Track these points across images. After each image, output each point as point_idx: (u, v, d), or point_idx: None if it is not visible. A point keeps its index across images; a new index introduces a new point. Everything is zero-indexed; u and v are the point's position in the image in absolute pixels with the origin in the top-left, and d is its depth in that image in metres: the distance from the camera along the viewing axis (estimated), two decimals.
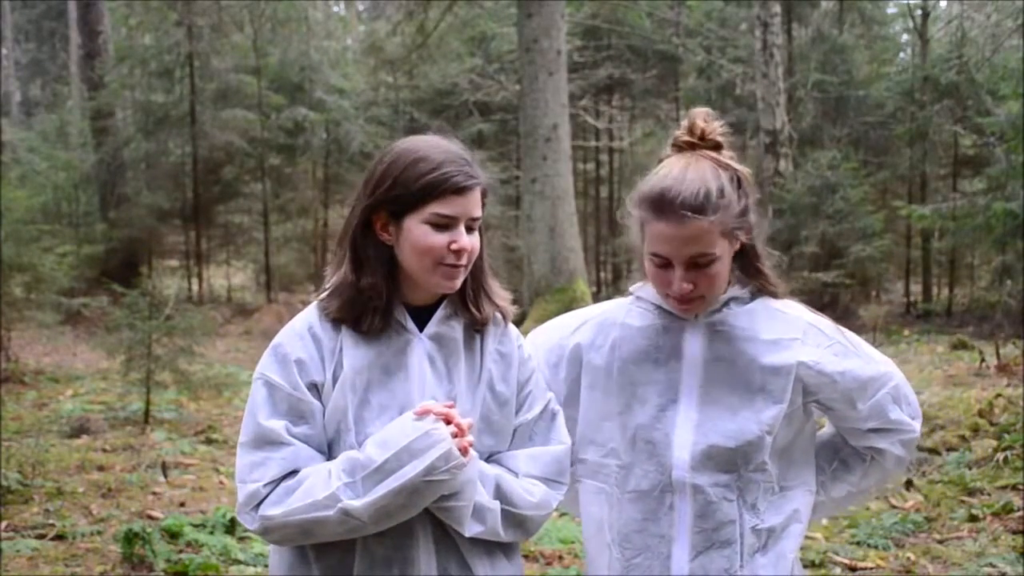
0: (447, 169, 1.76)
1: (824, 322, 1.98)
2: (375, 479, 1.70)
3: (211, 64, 17.34)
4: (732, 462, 1.89)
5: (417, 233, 1.77)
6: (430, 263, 1.78)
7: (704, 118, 1.92)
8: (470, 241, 1.79)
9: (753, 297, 1.96)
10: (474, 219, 1.80)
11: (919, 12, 17.16)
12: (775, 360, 1.90)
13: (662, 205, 1.81)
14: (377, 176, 1.80)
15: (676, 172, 1.84)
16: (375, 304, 1.80)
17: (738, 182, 1.88)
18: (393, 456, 1.70)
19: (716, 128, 1.91)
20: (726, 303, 1.94)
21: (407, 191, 1.76)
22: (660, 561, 1.91)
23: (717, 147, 1.90)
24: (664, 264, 1.86)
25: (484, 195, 1.83)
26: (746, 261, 1.95)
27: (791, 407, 1.92)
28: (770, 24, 14.32)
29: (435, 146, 1.81)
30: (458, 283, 1.82)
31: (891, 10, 20.31)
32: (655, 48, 18.91)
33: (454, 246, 1.77)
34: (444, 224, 1.77)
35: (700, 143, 1.90)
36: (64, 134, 17.86)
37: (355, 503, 1.69)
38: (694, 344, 1.93)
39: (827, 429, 2.13)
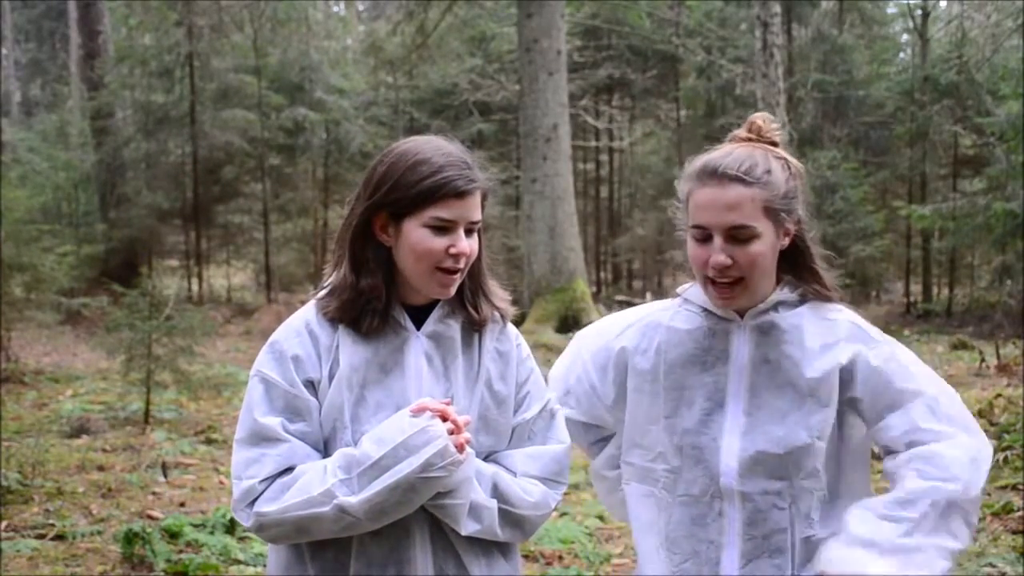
0: (447, 173, 1.76)
1: (873, 328, 1.94)
2: (371, 475, 1.70)
3: (211, 64, 17.34)
4: (782, 469, 1.86)
5: (416, 236, 1.76)
6: (427, 266, 1.78)
7: (763, 119, 1.95)
8: (469, 245, 1.79)
9: (802, 301, 1.92)
10: (473, 222, 1.80)
11: (919, 12, 17.16)
12: (822, 365, 1.87)
13: (705, 172, 1.85)
14: (377, 177, 1.80)
15: (725, 150, 1.89)
16: (374, 306, 1.80)
17: (789, 170, 1.89)
18: (389, 452, 1.70)
19: (773, 128, 1.94)
20: (774, 306, 1.90)
21: (407, 194, 1.76)
22: (710, 566, 1.89)
23: (773, 144, 1.93)
24: (704, 237, 1.84)
25: (484, 198, 1.83)
26: (798, 260, 1.92)
27: (838, 412, 1.88)
28: (770, 24, 14.30)
29: (436, 148, 1.80)
30: (453, 290, 1.81)
31: (891, 10, 20.32)
32: (655, 48, 18.92)
33: (452, 250, 1.76)
34: (443, 227, 1.76)
35: (757, 139, 1.92)
36: (64, 134, 17.86)
37: (351, 499, 1.69)
38: (741, 347, 1.90)
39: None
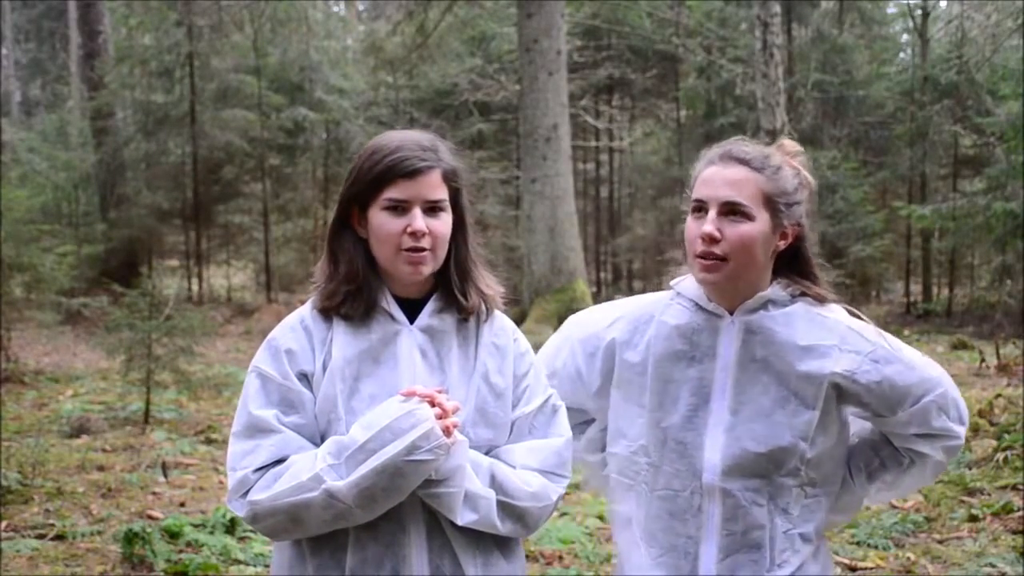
0: (398, 155, 1.80)
1: (866, 327, 1.94)
2: (357, 459, 1.70)
3: (211, 64, 17.32)
4: (763, 467, 1.87)
5: (376, 222, 1.81)
6: (391, 249, 1.81)
7: (791, 144, 2.00)
8: (432, 224, 1.81)
9: (793, 300, 1.92)
10: (432, 201, 1.81)
11: (919, 12, 17.15)
12: (810, 367, 1.87)
13: (717, 155, 1.89)
14: (347, 173, 1.87)
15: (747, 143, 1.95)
16: (353, 289, 1.83)
17: (800, 179, 1.92)
18: (375, 435, 1.71)
19: (798, 151, 1.99)
20: (764, 304, 1.90)
21: (365, 182, 1.82)
22: (688, 561, 1.91)
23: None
24: (700, 209, 1.87)
25: (451, 177, 1.85)
26: (796, 266, 1.94)
27: (825, 414, 1.88)
28: (770, 24, 14.29)
29: (397, 137, 1.86)
30: (425, 270, 1.82)
31: (891, 10, 20.30)
32: (655, 48, 18.90)
33: (409, 229, 1.79)
34: (398, 208, 1.80)
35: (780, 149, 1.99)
36: (64, 134, 17.85)
37: (338, 484, 1.70)
38: (729, 344, 1.91)
39: (868, 427, 2.07)
